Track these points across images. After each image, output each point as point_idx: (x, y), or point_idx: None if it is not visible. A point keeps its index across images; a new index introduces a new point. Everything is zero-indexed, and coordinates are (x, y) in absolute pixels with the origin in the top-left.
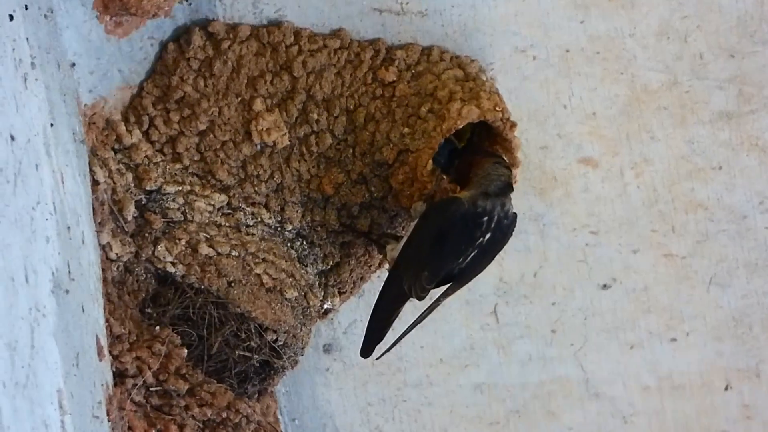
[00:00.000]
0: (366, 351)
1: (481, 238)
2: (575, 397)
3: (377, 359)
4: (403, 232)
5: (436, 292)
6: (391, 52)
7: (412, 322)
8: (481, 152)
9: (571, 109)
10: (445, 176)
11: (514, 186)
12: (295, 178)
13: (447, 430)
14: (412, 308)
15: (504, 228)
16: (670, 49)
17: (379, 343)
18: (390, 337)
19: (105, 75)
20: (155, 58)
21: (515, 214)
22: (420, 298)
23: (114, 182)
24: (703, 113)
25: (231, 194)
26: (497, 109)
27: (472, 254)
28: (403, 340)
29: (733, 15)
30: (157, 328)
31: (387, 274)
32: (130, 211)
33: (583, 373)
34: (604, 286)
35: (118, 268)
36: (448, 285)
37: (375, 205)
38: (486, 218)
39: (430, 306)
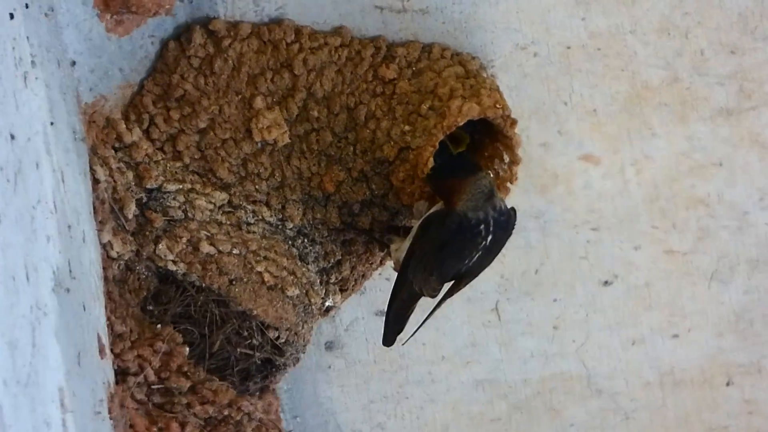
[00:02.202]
0: (388, 341)
1: (484, 242)
2: (577, 393)
3: (402, 344)
4: (404, 223)
5: (446, 285)
6: (392, 50)
7: (430, 311)
8: (460, 171)
9: (572, 105)
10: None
11: (512, 185)
12: (295, 176)
13: (449, 427)
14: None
15: (503, 224)
16: (671, 46)
17: (399, 333)
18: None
19: (105, 73)
20: (156, 56)
21: (510, 208)
22: (432, 297)
23: (115, 181)
24: (703, 110)
25: (232, 192)
26: (498, 106)
27: (477, 255)
28: (405, 341)
29: (734, 11)
30: (159, 326)
31: (389, 271)
32: (131, 210)
33: (584, 370)
34: (606, 282)
35: (119, 267)
36: (458, 281)
37: (376, 203)
38: (482, 226)
39: (442, 298)
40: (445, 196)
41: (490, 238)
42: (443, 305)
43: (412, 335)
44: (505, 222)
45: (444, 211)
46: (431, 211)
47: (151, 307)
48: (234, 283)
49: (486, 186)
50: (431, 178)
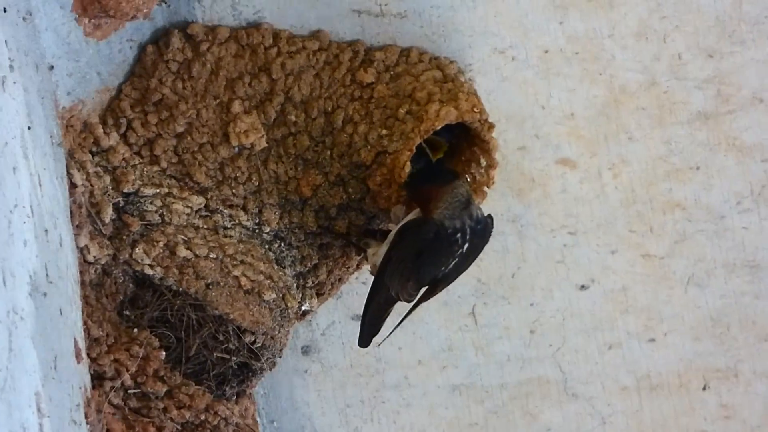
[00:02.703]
0: (364, 342)
1: (460, 250)
2: (554, 397)
3: (378, 346)
4: (380, 227)
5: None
6: (370, 54)
7: (404, 314)
8: (437, 178)
9: (550, 109)
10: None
11: (489, 189)
12: (272, 180)
13: None
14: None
15: (480, 232)
16: (649, 50)
17: (375, 336)
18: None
19: (83, 77)
20: (134, 60)
21: (487, 216)
22: (408, 302)
23: (91, 185)
24: (681, 114)
25: (209, 196)
26: (475, 110)
27: (454, 262)
28: (381, 342)
29: (712, 15)
30: (135, 330)
31: (365, 276)
32: (108, 214)
33: (561, 374)
34: (582, 286)
35: (95, 271)
36: (434, 285)
37: (353, 207)
38: (459, 234)
39: (417, 300)
40: (422, 203)
41: (466, 246)
42: (418, 309)
43: (386, 338)
44: (482, 230)
45: (421, 219)
46: (408, 218)
47: (127, 312)
48: (211, 287)
49: (463, 194)
50: (408, 185)
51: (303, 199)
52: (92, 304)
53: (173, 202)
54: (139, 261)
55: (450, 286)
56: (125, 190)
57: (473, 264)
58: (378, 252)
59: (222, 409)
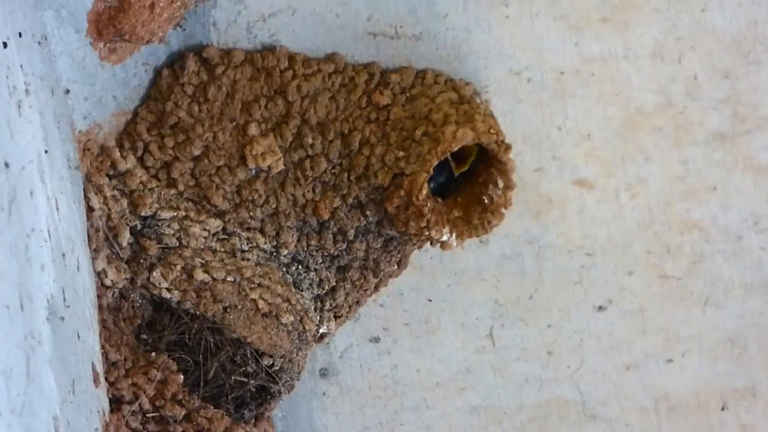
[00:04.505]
0: None
1: None
2: (572, 419)
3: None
4: (398, 256)
5: None
6: (386, 76)
7: None
8: None
9: (566, 131)
10: (440, 199)
11: (506, 210)
12: (290, 203)
13: None
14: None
15: None
16: (664, 71)
17: None
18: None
19: (99, 101)
20: (149, 83)
21: None
22: None
23: (109, 208)
24: (697, 134)
25: (226, 219)
26: (492, 131)
27: None
28: (399, 364)
29: (727, 36)
30: (153, 354)
31: (383, 298)
32: (125, 237)
33: (579, 395)
34: (600, 307)
35: (113, 295)
36: None
37: (371, 230)
38: None
39: None
40: None
41: None
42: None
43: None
44: None
45: None
46: None
47: (145, 335)
48: (228, 310)
49: None
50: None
51: (320, 221)
52: (110, 328)
53: (190, 225)
54: (157, 284)
55: (467, 308)
56: (142, 214)
57: (491, 286)
58: None
59: None
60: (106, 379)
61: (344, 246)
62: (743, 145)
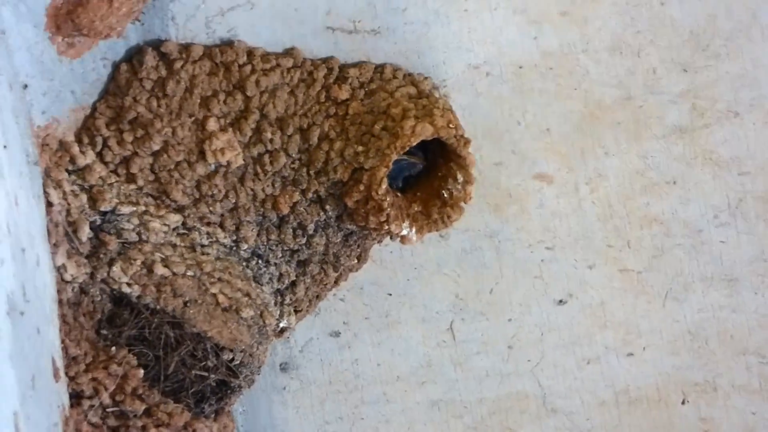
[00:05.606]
0: None
1: None
2: (533, 412)
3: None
4: (358, 250)
5: None
6: (344, 71)
7: None
8: None
9: (526, 125)
10: (399, 194)
11: (466, 205)
12: (250, 198)
13: None
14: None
15: None
16: (624, 64)
17: None
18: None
19: (57, 96)
20: (108, 78)
21: None
22: None
23: (68, 203)
24: (656, 128)
25: (186, 214)
26: (451, 126)
27: None
28: (360, 358)
29: (686, 29)
30: (113, 348)
31: (343, 292)
32: (85, 233)
33: (540, 389)
34: (560, 301)
35: (73, 290)
36: None
37: (330, 224)
38: None
39: None
40: None
41: None
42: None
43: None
44: None
45: None
46: None
47: (105, 330)
48: (188, 305)
49: None
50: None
51: (280, 216)
52: (70, 322)
53: (150, 220)
54: (117, 279)
55: (428, 303)
56: (102, 209)
57: (451, 280)
58: None
59: (201, 426)
60: (66, 374)
61: (304, 240)
62: (702, 139)
